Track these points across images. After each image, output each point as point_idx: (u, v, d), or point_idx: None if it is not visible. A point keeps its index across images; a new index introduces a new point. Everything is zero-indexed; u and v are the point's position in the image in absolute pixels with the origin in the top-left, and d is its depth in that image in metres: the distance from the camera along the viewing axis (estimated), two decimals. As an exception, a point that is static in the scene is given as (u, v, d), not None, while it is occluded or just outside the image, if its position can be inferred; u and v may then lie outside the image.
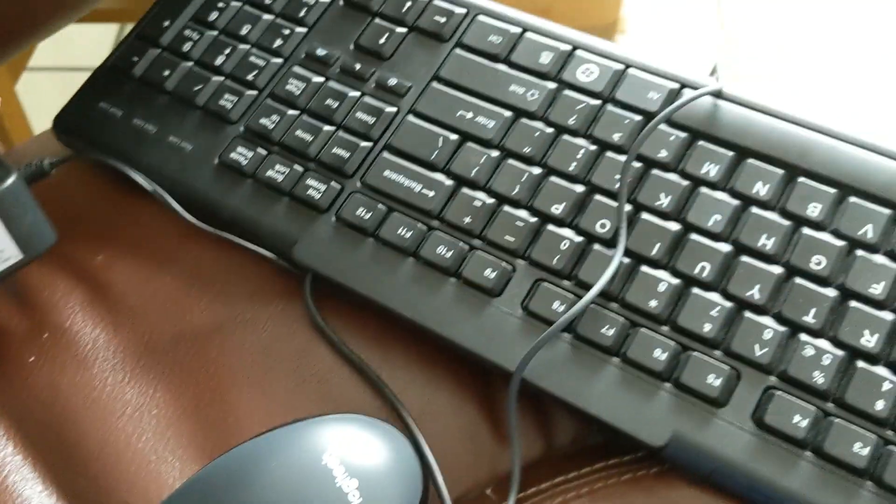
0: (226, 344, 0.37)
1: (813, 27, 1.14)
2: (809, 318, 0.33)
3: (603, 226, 0.36)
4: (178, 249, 0.40)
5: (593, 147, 0.37)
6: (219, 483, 0.31)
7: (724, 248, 0.34)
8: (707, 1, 1.18)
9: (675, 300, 0.34)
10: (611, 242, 0.35)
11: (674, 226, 0.35)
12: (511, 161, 0.38)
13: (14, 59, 0.50)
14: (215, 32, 0.43)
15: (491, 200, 0.37)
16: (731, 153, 0.36)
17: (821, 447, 0.31)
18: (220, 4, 0.44)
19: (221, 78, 0.42)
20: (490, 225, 0.36)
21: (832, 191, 0.35)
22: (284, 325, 0.38)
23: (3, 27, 0.42)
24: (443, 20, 0.42)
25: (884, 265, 0.33)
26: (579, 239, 0.35)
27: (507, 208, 0.37)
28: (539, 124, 0.38)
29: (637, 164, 0.37)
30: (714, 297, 0.34)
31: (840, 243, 0.34)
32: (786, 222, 0.35)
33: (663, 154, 0.36)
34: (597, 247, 0.35)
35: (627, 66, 0.39)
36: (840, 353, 0.32)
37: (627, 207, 0.36)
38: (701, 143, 0.37)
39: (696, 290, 0.34)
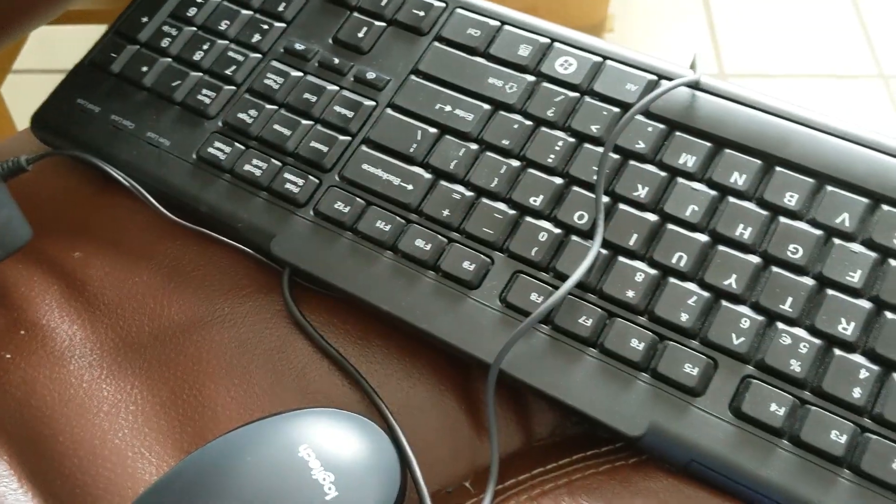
0: (204, 339, 0.37)
1: (800, 25, 1.14)
2: (786, 307, 0.33)
3: (581, 217, 0.35)
4: (156, 245, 0.40)
5: (571, 139, 0.37)
6: (195, 477, 0.31)
7: (702, 238, 0.34)
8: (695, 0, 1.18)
9: (653, 290, 0.34)
10: (588, 234, 0.35)
11: (651, 217, 0.35)
12: (489, 154, 0.38)
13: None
14: (193, 28, 0.43)
15: (470, 193, 0.37)
16: (708, 144, 0.36)
17: (798, 435, 0.31)
18: (199, 0, 0.44)
19: (200, 74, 0.42)
20: (469, 218, 0.36)
21: (809, 180, 0.35)
22: (263, 320, 0.37)
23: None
24: (421, 14, 0.41)
25: (861, 253, 0.33)
26: (557, 231, 0.35)
27: (485, 201, 0.37)
28: (517, 117, 0.38)
29: (615, 156, 0.37)
30: (691, 286, 0.34)
31: (817, 232, 0.34)
32: (763, 212, 0.34)
33: (640, 145, 0.36)
34: (575, 238, 0.35)
35: (605, 59, 0.39)
36: (817, 341, 0.32)
37: (605, 199, 0.36)
38: (678, 134, 0.37)
39: (673, 281, 0.34)
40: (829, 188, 0.34)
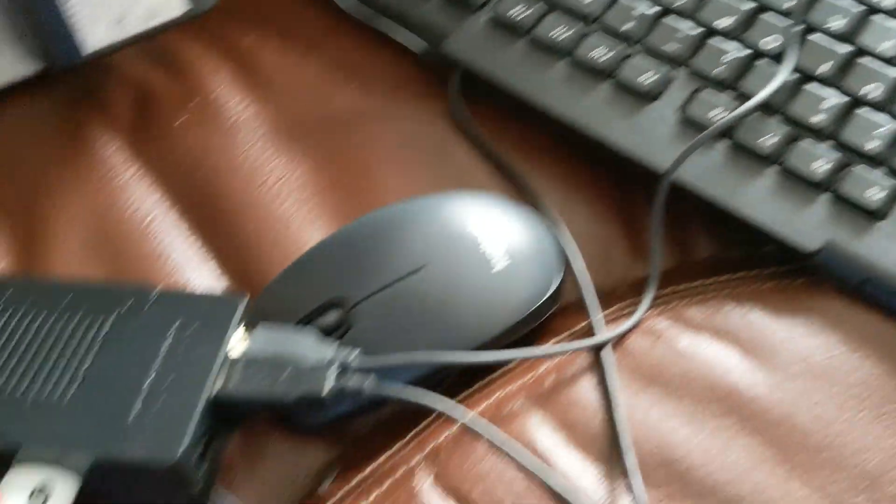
0: (368, 131, 0.37)
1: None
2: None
3: (770, 42, 0.34)
4: (326, 38, 0.40)
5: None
6: (364, 235, 0.32)
7: (897, 72, 0.33)
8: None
9: (841, 117, 0.33)
10: (776, 59, 0.34)
11: (845, 47, 0.34)
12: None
13: None
14: None
15: (654, 9, 0.36)
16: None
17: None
18: None
19: None
20: (651, 33, 0.36)
21: None
22: (427, 120, 0.38)
23: None
24: None
25: None
26: (745, 52, 0.35)
27: (669, 18, 0.36)
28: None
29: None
30: (882, 117, 0.33)
31: None
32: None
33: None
34: (762, 62, 0.34)
35: None
36: None
37: (798, 27, 0.35)
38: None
39: (863, 110, 0.33)
40: None
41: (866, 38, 0.34)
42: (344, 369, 0.27)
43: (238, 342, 0.28)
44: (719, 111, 0.33)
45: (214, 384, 0.26)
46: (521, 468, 0.27)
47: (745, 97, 0.34)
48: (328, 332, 0.29)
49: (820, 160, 0.32)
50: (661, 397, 0.30)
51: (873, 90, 0.33)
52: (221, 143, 0.37)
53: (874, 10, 0.34)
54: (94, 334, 0.27)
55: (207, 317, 0.28)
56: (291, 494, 0.30)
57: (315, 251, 0.32)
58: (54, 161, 0.36)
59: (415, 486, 0.27)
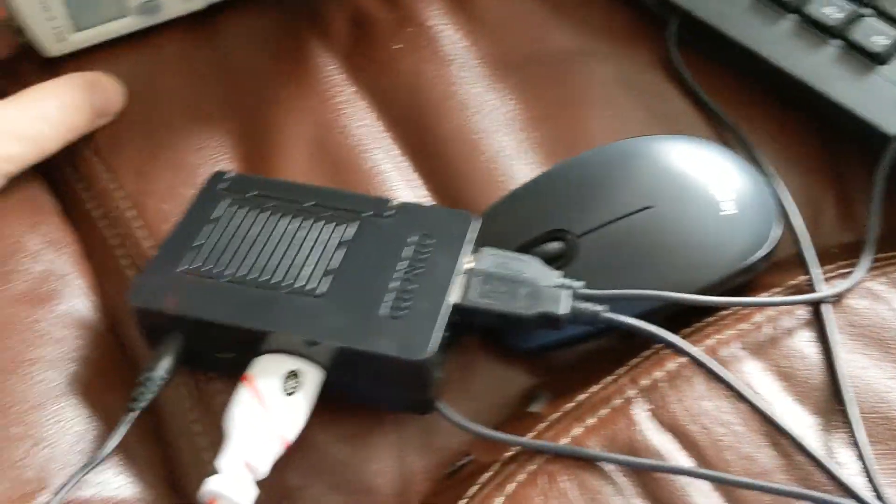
0: (582, 70, 0.38)
1: None
2: None
3: None
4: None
5: None
6: (587, 171, 0.32)
7: None
8: None
9: None
10: None
11: None
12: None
13: None
14: None
15: (891, -30, 0.35)
16: None
17: None
18: None
19: None
20: (887, -4, 0.35)
21: None
22: (641, 64, 0.38)
23: None
24: None
25: None
26: None
27: (908, -19, 0.35)
28: None
29: None
30: None
31: None
32: None
33: None
34: None
35: None
36: None
37: None
38: None
39: None
40: None
41: None
42: (573, 296, 0.28)
43: (468, 259, 0.29)
44: (959, 78, 0.33)
45: (456, 292, 0.27)
46: (742, 410, 0.27)
47: None
48: (549, 261, 0.30)
49: None
50: (880, 358, 0.29)
51: None
52: (435, 71, 0.38)
53: None
54: (339, 235, 0.29)
55: (444, 229, 0.29)
56: (498, 412, 0.31)
57: (536, 182, 0.33)
58: (278, 74, 0.37)
59: (632, 417, 0.28)
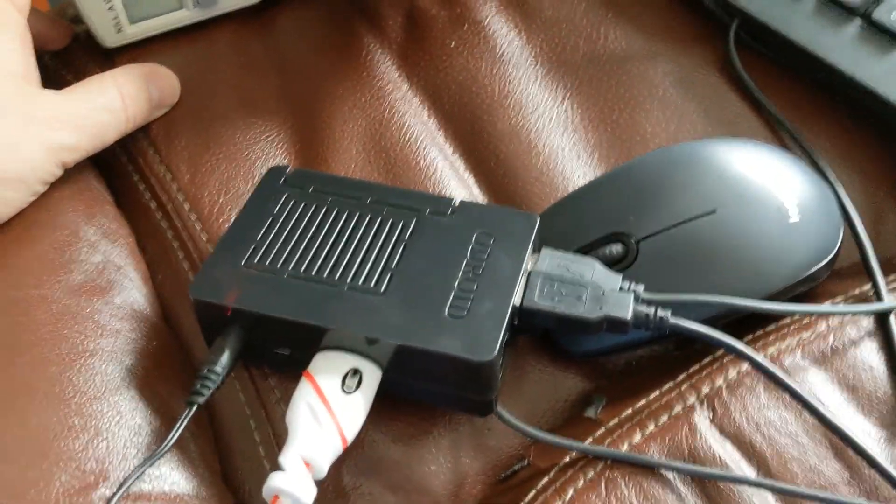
0: (637, 71, 0.37)
1: None
2: None
3: None
4: (597, -22, 0.40)
5: None
6: (648, 174, 0.31)
7: None
8: None
9: None
10: None
11: None
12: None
13: None
14: None
15: (961, -25, 0.34)
16: None
17: None
18: None
19: None
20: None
21: None
22: (698, 66, 0.37)
23: None
24: None
25: None
26: None
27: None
28: None
29: None
30: None
31: None
32: None
33: None
34: None
35: None
36: None
37: None
38: None
39: None
40: None
41: None
42: (636, 299, 0.28)
43: (528, 259, 0.28)
44: None
45: (519, 293, 0.27)
46: (806, 420, 0.27)
47: None
48: (608, 264, 0.30)
49: None
50: (947, 372, 0.29)
51: None
52: (490, 69, 0.37)
53: None
54: (399, 232, 0.29)
55: (506, 229, 0.29)
56: (552, 415, 0.31)
57: (596, 184, 0.32)
58: (333, 68, 0.37)
59: (693, 425, 0.28)
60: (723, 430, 0.27)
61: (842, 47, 0.35)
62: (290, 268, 0.28)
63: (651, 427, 0.28)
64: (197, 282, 0.27)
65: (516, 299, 0.27)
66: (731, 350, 0.27)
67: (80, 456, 0.25)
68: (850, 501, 0.26)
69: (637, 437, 0.27)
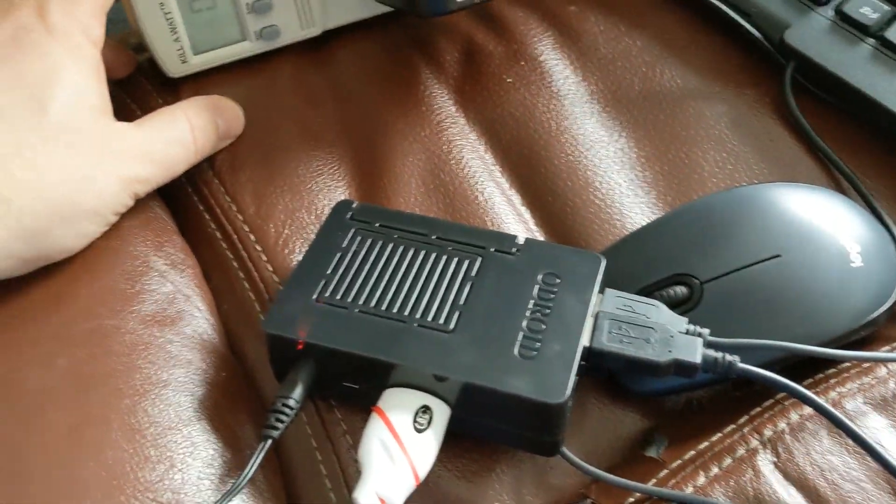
0: (692, 110, 0.38)
1: None
2: None
3: None
4: (650, 14, 0.41)
5: None
6: (710, 217, 0.32)
7: None
8: None
9: None
10: None
11: None
12: None
13: None
14: None
15: None
16: None
17: None
18: None
19: None
20: None
21: None
22: (753, 107, 0.37)
23: None
24: None
25: None
26: None
27: None
28: None
29: None
30: None
31: None
32: None
33: None
34: None
35: None
36: None
37: None
38: None
39: None
40: None
41: None
42: (704, 343, 0.28)
43: (595, 300, 0.29)
44: None
45: (587, 335, 0.27)
46: (870, 466, 0.27)
47: None
48: (672, 306, 0.30)
49: None
50: None
51: None
52: (546, 105, 0.38)
53: None
54: (466, 270, 0.29)
55: (572, 269, 0.29)
56: (611, 454, 0.31)
57: (658, 225, 0.33)
58: (391, 100, 0.38)
59: (757, 469, 0.28)
60: (787, 475, 0.28)
61: (900, 92, 0.35)
62: (360, 303, 0.28)
63: (715, 469, 0.28)
64: (270, 316, 0.28)
65: (585, 341, 0.27)
66: (796, 395, 0.27)
67: (157, 487, 0.26)
68: (917, 550, 0.26)
69: (701, 480, 0.28)
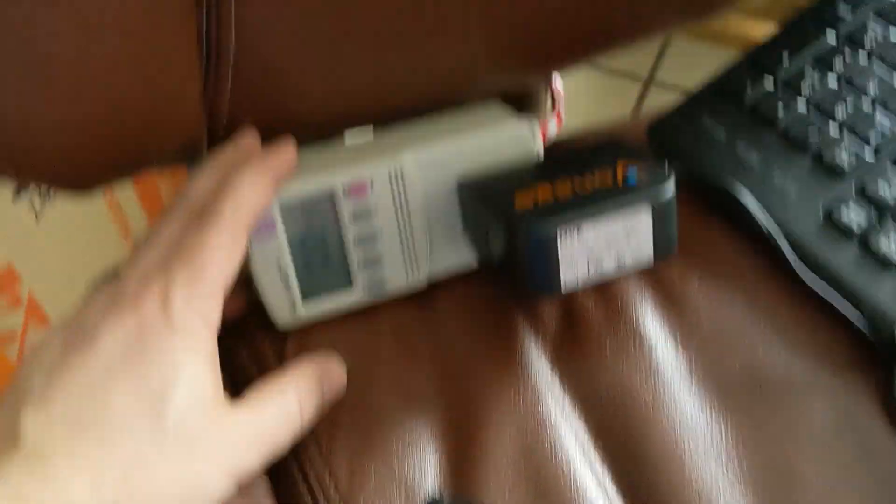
0: (794, 402, 0.37)
1: None
2: None
3: None
4: (754, 282, 0.40)
5: None
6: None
7: None
8: None
9: None
10: None
11: None
12: None
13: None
14: (836, 78, 0.43)
15: None
16: None
17: None
18: (847, 51, 0.43)
19: (837, 128, 0.41)
20: None
21: None
22: (860, 406, 0.36)
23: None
24: None
25: None
26: None
27: None
28: None
29: None
30: None
31: None
32: None
33: None
34: None
35: None
36: None
37: None
38: None
39: None
40: None
41: None
42: None
43: None
44: None
45: None
46: None
47: None
48: None
49: None
50: None
51: None
52: (645, 381, 0.37)
53: None
54: None
55: None
56: None
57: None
58: (489, 359, 0.38)
59: None
60: None
61: None
62: None
63: None
64: None
65: None
66: None
67: None
68: None
69: None
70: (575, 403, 0.37)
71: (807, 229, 0.39)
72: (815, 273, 0.38)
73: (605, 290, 0.40)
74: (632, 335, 0.39)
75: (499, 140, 0.39)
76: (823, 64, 0.43)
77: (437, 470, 0.36)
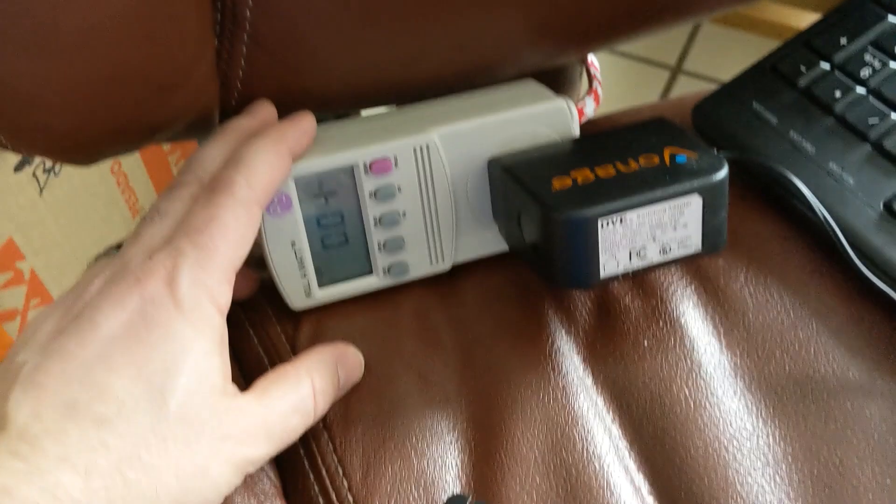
0: (851, 407, 0.34)
1: None
2: None
3: None
4: (804, 278, 0.37)
5: None
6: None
7: None
8: None
9: None
10: None
11: None
12: None
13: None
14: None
15: None
16: None
17: None
18: (910, 35, 0.40)
19: (898, 117, 0.38)
20: None
21: None
22: (922, 410, 0.34)
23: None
24: None
25: None
26: None
27: None
28: None
29: None
30: None
31: None
32: None
33: None
34: None
35: None
36: None
37: None
38: None
39: None
40: None
41: None
42: None
43: None
44: None
45: None
46: None
47: None
48: None
49: None
50: None
51: None
52: (683, 379, 0.35)
53: None
54: None
55: None
56: None
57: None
58: (515, 349, 0.36)
59: None
60: None
61: None
62: None
63: None
64: None
65: None
66: None
67: None
68: None
69: None
70: (609, 401, 0.35)
71: (865, 222, 0.36)
72: (873, 268, 0.35)
73: (643, 282, 0.38)
74: (671, 331, 0.36)
75: (534, 117, 0.36)
76: (884, 48, 0.40)
77: (459, 469, 0.33)
